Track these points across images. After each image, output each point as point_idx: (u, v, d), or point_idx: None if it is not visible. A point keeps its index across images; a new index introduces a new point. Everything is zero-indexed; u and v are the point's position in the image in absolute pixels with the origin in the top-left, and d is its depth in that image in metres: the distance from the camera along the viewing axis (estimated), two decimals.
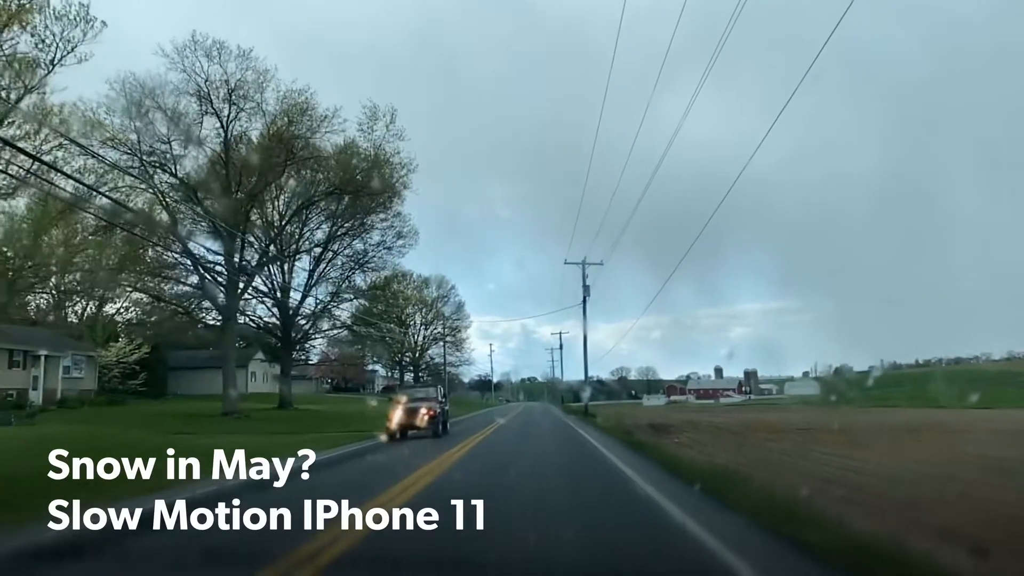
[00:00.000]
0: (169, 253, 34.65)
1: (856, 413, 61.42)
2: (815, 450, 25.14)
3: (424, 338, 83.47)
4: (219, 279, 35.85)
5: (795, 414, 67.22)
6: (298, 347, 49.18)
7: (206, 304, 40.93)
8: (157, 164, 33.40)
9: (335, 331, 48.99)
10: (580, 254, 42.76)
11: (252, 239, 39.66)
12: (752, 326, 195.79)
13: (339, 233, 42.91)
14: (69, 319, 55.92)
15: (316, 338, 49.90)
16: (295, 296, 45.28)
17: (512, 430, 29.33)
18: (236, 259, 35.67)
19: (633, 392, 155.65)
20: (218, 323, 39.29)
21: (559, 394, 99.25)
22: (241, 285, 37.27)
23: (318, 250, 43.47)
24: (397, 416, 23.20)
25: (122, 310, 53.48)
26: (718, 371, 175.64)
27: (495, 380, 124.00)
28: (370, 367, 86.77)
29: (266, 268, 43.43)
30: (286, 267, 43.82)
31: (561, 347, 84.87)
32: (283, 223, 38.80)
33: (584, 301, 39.69)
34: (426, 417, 23.16)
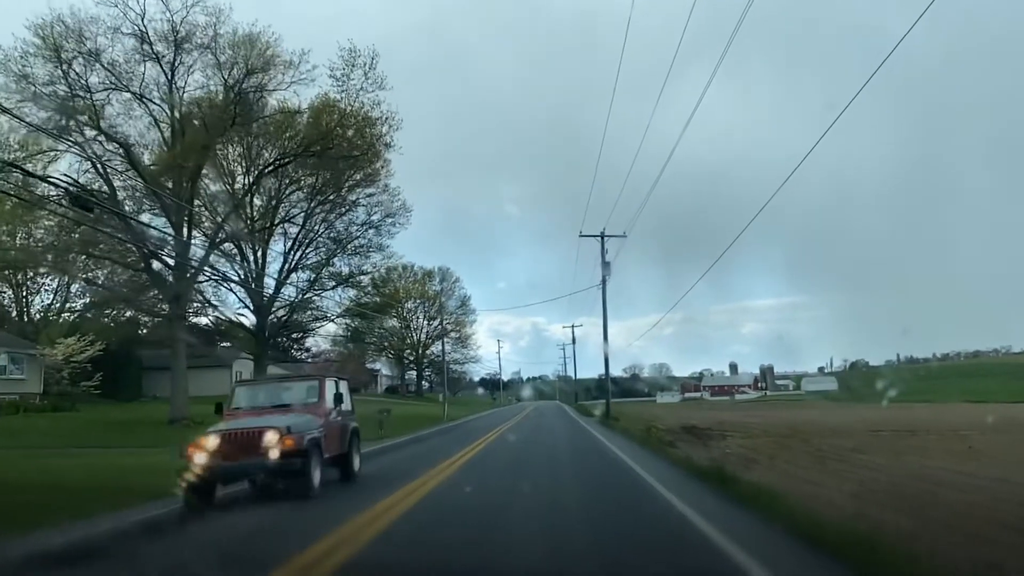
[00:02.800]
0: (104, 228, 27.84)
1: (900, 410, 54.38)
2: (933, 465, 18.24)
3: (427, 334, 76.61)
4: (167, 259, 29.17)
5: (832, 412, 60.16)
6: (277, 342, 42.45)
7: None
8: (83, 115, 26.67)
9: (317, 323, 42.22)
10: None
11: (216, 213, 32.86)
12: (765, 322, 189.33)
13: (318, 209, 36.12)
14: (33, 315, 49.86)
15: (296, 333, 43.03)
16: (270, 285, 38.64)
17: (513, 445, 21.26)
18: (186, 234, 28.91)
19: (646, 390, 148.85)
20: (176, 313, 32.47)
21: (572, 393, 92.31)
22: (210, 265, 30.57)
23: (294, 229, 36.68)
24: (207, 450, 10.28)
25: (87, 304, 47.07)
26: (733, 367, 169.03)
27: (505, 379, 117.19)
28: (372, 365, 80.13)
29: (236, 251, 36.77)
30: (257, 250, 37.10)
31: (574, 341, 77.79)
32: (246, 191, 31.87)
33: (604, 281, 32.67)
34: (277, 451, 10.25)
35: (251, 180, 31.07)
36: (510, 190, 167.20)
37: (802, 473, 15.65)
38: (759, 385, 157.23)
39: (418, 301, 75.59)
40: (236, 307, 38.01)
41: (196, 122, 27.94)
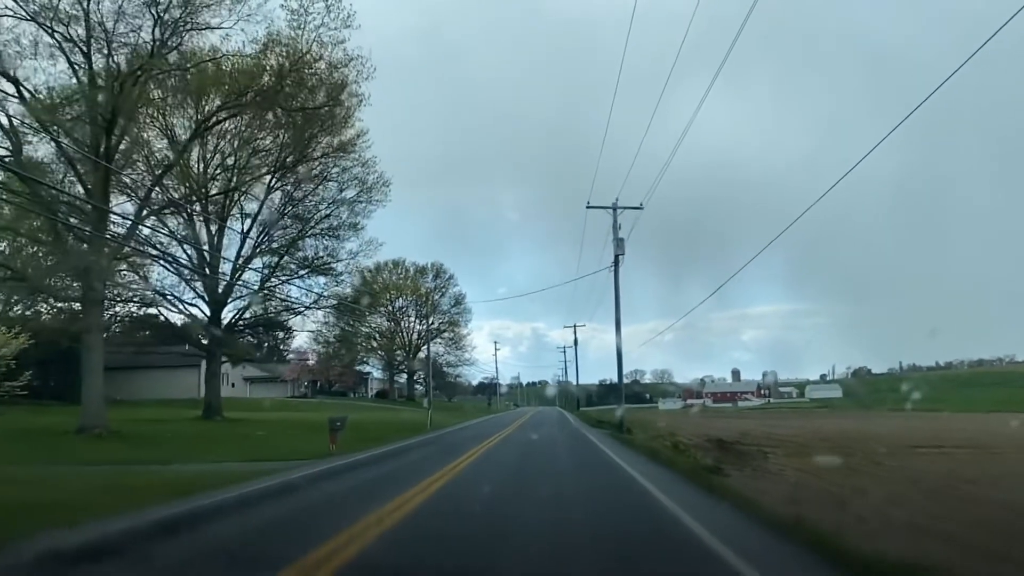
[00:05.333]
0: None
1: (929, 420, 48.53)
2: None
3: (419, 334, 70.22)
4: (82, 230, 23.21)
5: (853, 420, 53.89)
6: (238, 337, 36.50)
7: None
8: None
9: (284, 316, 36.14)
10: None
11: (151, 173, 26.76)
12: (766, 329, 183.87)
13: (280, 182, 30.31)
14: None
15: (260, 327, 36.98)
16: (230, 275, 32.69)
17: (499, 472, 14.29)
18: (110, 202, 22.97)
19: (648, 396, 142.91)
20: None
21: (573, 398, 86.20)
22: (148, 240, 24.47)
23: (255, 206, 30.81)
24: None
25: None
26: (735, 374, 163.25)
27: (504, 384, 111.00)
28: (361, 367, 73.84)
29: (188, 230, 30.92)
30: (213, 228, 31.27)
31: (576, 343, 71.70)
32: (184, 147, 25.78)
33: (616, 261, 26.43)
34: None
35: (191, 133, 25.03)
36: (510, 194, 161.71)
37: (969, 536, 9.67)
38: (762, 392, 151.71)
39: (410, 298, 69.68)
40: (185, 295, 32.17)
41: (113, 56, 21.87)
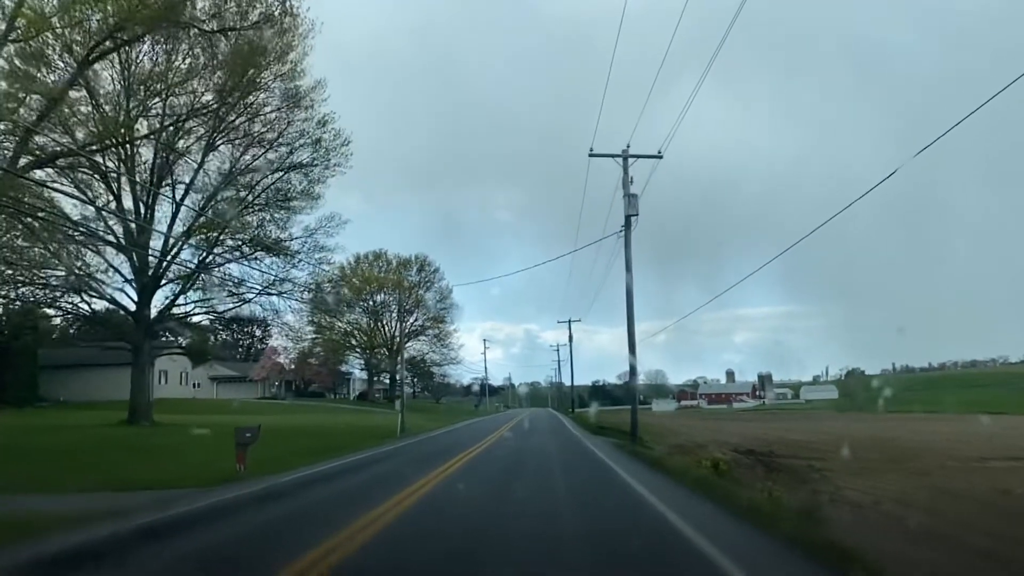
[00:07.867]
0: None
1: (946, 422, 43.64)
2: None
3: (400, 332, 64.53)
4: None
5: (866, 423, 48.68)
6: (166, 326, 30.94)
7: None
8: None
9: (231, 303, 30.33)
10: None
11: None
12: (758, 330, 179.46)
13: (219, 137, 24.88)
14: None
15: (196, 313, 31.27)
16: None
17: (458, 524, 8.18)
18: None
19: (642, 397, 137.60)
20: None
21: (566, 399, 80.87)
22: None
23: (183, 175, 25.33)
24: None
25: None
26: (729, 375, 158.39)
27: (495, 386, 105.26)
28: (341, 367, 67.96)
29: (113, 199, 25.45)
30: (142, 197, 25.78)
31: (571, 338, 66.40)
32: (69, 80, 20.06)
33: (628, 223, 20.60)
34: None
35: (80, 60, 19.40)
36: (502, 196, 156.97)
37: None
38: (757, 393, 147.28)
39: (392, 293, 63.82)
40: (114, 280, 26.66)
41: None
